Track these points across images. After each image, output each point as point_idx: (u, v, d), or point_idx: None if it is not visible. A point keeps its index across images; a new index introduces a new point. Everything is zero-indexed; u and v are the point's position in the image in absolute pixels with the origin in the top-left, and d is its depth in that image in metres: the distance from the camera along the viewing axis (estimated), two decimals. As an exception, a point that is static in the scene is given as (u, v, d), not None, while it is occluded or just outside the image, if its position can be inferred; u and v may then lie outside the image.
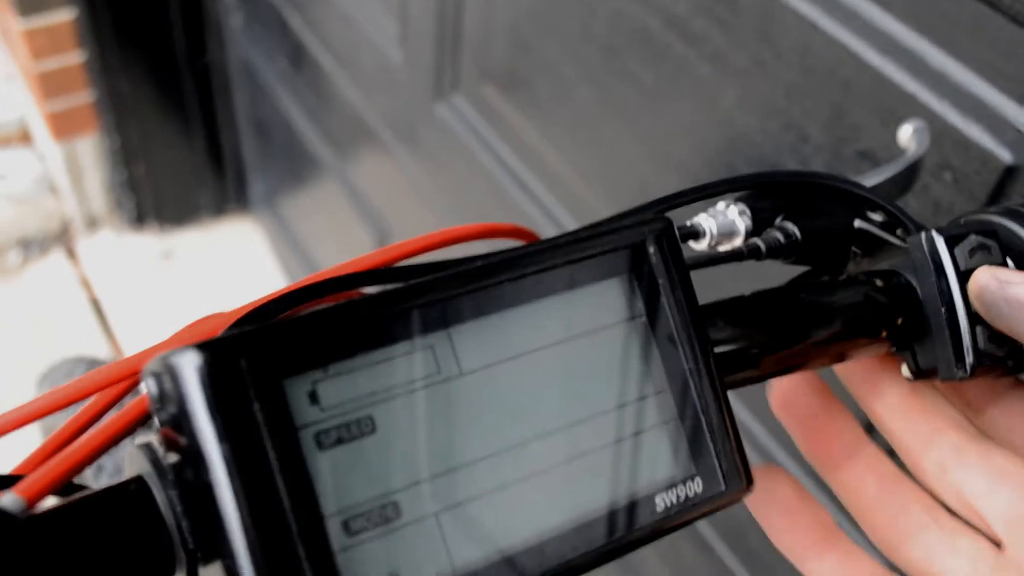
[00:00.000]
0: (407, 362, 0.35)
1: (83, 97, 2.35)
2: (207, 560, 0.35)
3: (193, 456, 0.33)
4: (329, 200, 2.08)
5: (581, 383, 0.39)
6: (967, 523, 0.47)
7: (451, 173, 1.51)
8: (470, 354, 0.37)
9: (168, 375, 0.32)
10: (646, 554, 1.31)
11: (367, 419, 0.34)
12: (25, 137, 2.77)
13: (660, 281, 0.40)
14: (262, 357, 0.33)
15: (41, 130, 2.55)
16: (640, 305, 0.40)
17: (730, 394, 0.42)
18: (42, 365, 1.22)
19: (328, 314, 0.34)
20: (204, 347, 0.32)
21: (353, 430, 0.34)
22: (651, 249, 0.40)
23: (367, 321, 0.35)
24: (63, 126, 2.40)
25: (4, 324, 2.41)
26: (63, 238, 2.65)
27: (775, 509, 0.49)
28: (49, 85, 2.31)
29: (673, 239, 0.41)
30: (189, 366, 0.32)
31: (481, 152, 1.40)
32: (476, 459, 0.36)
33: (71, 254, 2.62)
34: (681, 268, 0.40)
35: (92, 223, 2.62)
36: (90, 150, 2.47)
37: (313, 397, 0.34)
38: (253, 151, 2.44)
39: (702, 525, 1.19)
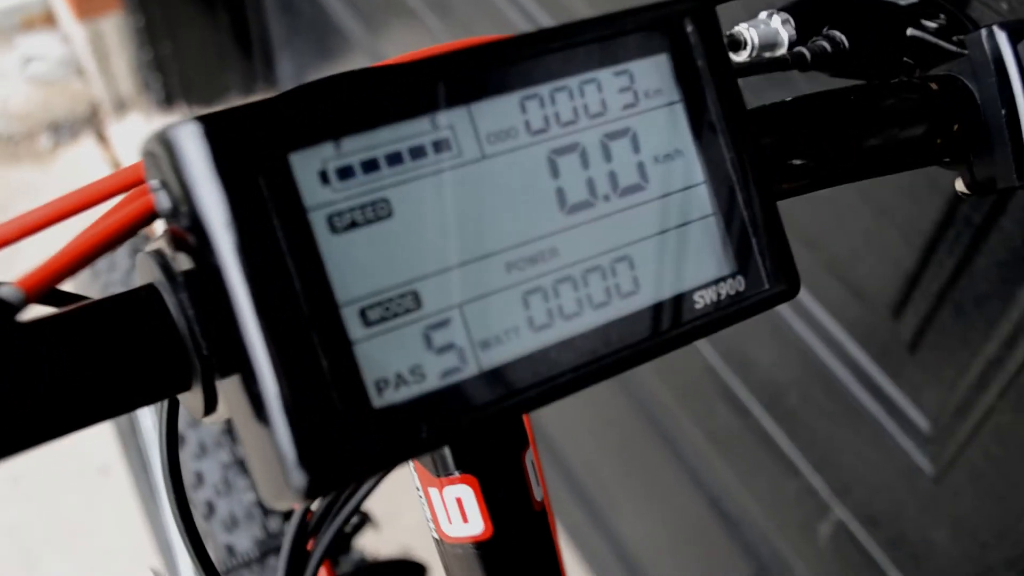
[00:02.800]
0: (425, 141, 0.33)
1: (105, -26, 2.31)
2: (223, 371, 0.33)
3: (200, 242, 0.30)
4: (358, 74, 2.03)
5: (612, 172, 0.36)
6: None
7: (481, 36, 1.46)
8: (492, 134, 0.34)
9: (166, 151, 0.30)
10: (679, 415, 1.30)
11: (383, 202, 0.32)
12: (49, 19, 2.73)
13: (699, 63, 0.37)
14: (266, 128, 0.30)
15: (64, 10, 2.51)
16: (678, 89, 0.37)
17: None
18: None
19: (338, 82, 0.31)
20: (204, 119, 0.30)
21: (368, 213, 0.32)
22: (689, 28, 0.37)
23: (382, 91, 0.32)
24: (86, 5, 2.36)
25: (38, 208, 2.41)
26: (93, 121, 2.62)
27: None
28: (70, -38, 2.27)
29: (712, 20, 0.37)
30: (188, 137, 0.29)
31: (517, 17, 1.35)
32: (504, 248, 0.34)
33: (101, 137, 2.60)
34: (721, 51, 0.37)
35: (121, 105, 2.60)
36: (114, 30, 2.42)
37: (324, 177, 0.31)
38: (280, 27, 2.39)
39: (737, 385, 1.18)
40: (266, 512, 0.97)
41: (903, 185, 0.87)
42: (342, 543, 0.88)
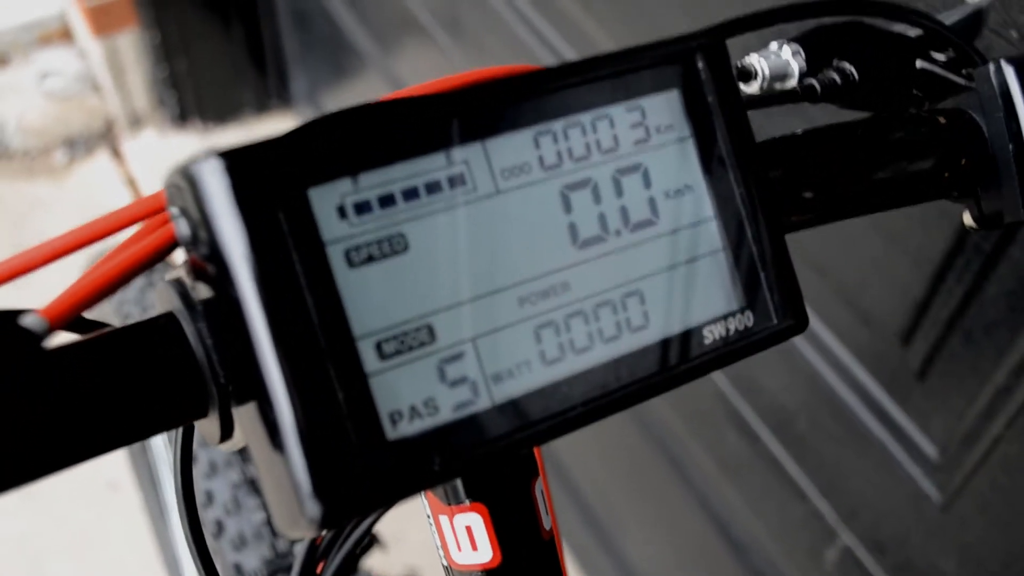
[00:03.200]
0: (441, 176, 0.33)
1: (122, -9, 2.33)
2: (240, 399, 0.33)
3: (219, 272, 0.31)
4: (372, 93, 2.05)
5: (623, 207, 0.36)
6: None
7: (494, 57, 1.48)
8: (506, 170, 0.35)
9: (189, 185, 0.31)
10: (688, 439, 1.31)
11: (399, 237, 0.33)
12: (66, 34, 2.76)
13: (710, 99, 0.37)
14: (286, 163, 0.31)
15: (81, 26, 2.53)
16: (689, 124, 0.38)
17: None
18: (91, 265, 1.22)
19: (356, 117, 0.32)
20: (225, 154, 0.30)
21: (385, 248, 0.32)
22: (700, 65, 0.37)
23: (398, 127, 0.33)
24: (102, 21, 2.38)
25: (52, 223, 2.42)
26: (108, 137, 2.64)
27: None
28: (87, -21, 2.29)
29: (724, 57, 0.38)
30: (210, 172, 0.30)
31: (524, 31, 1.36)
32: (516, 283, 0.34)
33: (116, 153, 2.62)
34: (732, 87, 0.38)
35: (136, 121, 2.61)
36: (130, 46, 2.44)
37: (342, 211, 0.32)
38: (294, 44, 2.41)
39: (746, 410, 1.18)
40: (275, 532, 0.97)
41: (913, 213, 0.88)
42: (349, 563, 0.88)
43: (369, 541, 0.88)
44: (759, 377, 1.15)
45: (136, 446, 1.35)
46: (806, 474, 1.14)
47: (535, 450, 0.44)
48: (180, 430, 0.44)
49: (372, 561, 1.01)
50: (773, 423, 1.16)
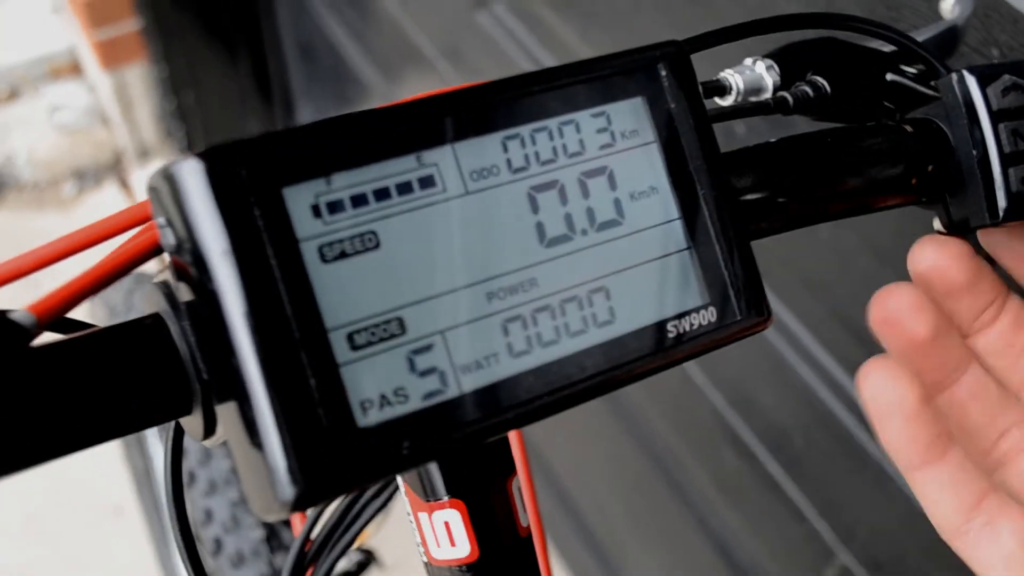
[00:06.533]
0: (411, 177, 0.35)
1: (130, 25, 2.36)
2: (221, 397, 0.35)
3: (200, 271, 0.33)
4: (374, 123, 2.07)
5: (589, 208, 0.38)
6: None
7: (493, 85, 1.49)
8: (475, 172, 0.36)
9: (169, 185, 0.32)
10: (687, 460, 1.31)
11: (371, 234, 0.34)
12: (75, 68, 2.80)
13: (672, 106, 0.39)
14: (262, 164, 0.32)
15: (90, 60, 2.57)
16: (653, 130, 0.39)
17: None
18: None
19: (331, 123, 0.34)
20: (203, 155, 0.32)
21: (357, 245, 0.34)
22: (663, 73, 0.39)
23: (372, 132, 0.34)
24: (111, 55, 2.42)
25: (61, 253, 2.45)
26: (116, 169, 2.68)
27: (891, 412, 0.42)
28: (96, 14, 2.33)
29: (687, 64, 0.40)
30: (189, 171, 0.32)
31: (524, 61, 1.38)
32: (485, 278, 0.36)
33: (124, 185, 2.65)
34: (694, 93, 0.39)
35: (144, 153, 2.65)
36: (139, 79, 2.48)
37: (316, 210, 0.33)
38: (299, 75, 2.44)
39: (743, 430, 1.19)
40: (272, 549, 0.98)
41: (903, 230, 0.89)
42: (347, 581, 0.89)
43: (366, 559, 0.89)
44: (755, 396, 1.16)
45: (140, 470, 1.36)
46: (804, 494, 1.14)
47: (518, 447, 0.46)
48: (171, 429, 0.45)
49: (371, 580, 1.02)
50: (770, 442, 1.17)
